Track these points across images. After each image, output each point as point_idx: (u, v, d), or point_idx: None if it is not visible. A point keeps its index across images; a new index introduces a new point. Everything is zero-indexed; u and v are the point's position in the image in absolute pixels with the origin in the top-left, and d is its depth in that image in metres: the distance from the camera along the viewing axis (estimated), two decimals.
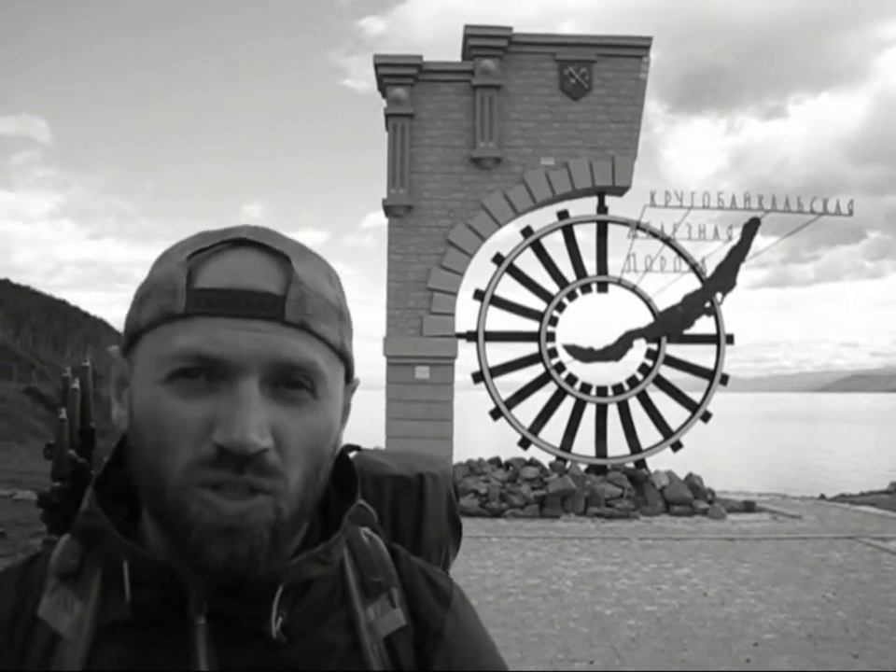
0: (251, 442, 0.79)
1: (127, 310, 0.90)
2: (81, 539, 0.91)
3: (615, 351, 16.78)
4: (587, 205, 17.45)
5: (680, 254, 16.80)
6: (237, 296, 0.83)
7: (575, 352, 16.90)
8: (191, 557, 0.82)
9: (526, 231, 16.94)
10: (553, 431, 16.53)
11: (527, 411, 16.54)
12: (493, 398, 16.68)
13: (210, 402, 0.82)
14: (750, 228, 16.52)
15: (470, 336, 16.84)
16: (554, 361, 16.83)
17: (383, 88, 17.06)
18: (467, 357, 16.93)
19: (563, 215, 17.01)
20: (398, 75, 16.83)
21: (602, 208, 17.16)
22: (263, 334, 0.83)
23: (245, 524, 0.81)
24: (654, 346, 16.93)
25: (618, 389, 17.01)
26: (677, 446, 16.85)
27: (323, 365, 0.86)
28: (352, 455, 1.08)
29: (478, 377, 16.79)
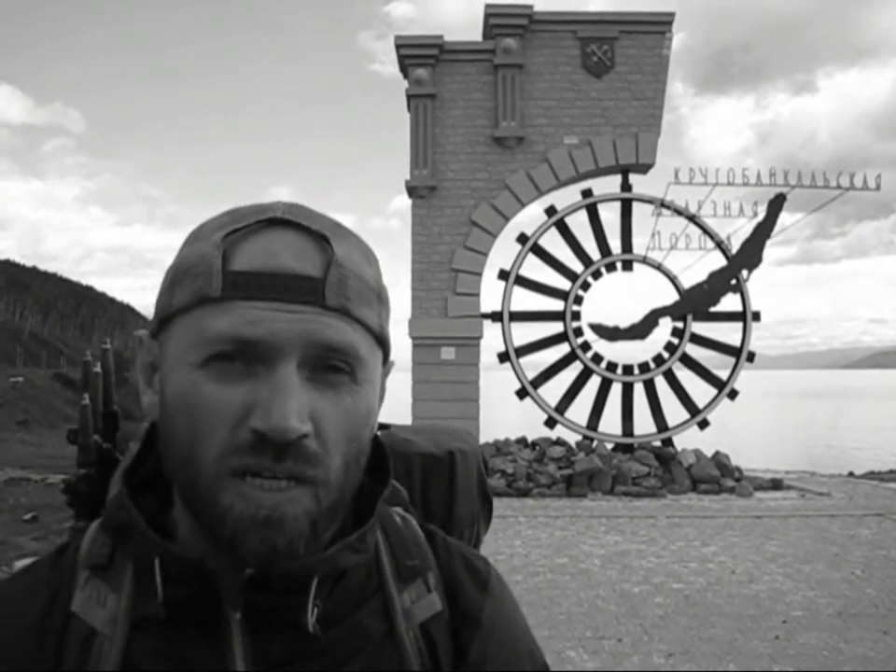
0: (291, 428, 0.76)
1: (157, 293, 0.87)
2: (113, 535, 0.89)
3: (641, 329, 16.73)
4: (611, 184, 17.37)
5: (705, 231, 16.67)
6: (275, 279, 0.80)
7: (600, 331, 16.86)
8: (228, 551, 0.80)
9: (550, 211, 16.88)
10: (580, 410, 16.49)
11: (553, 390, 16.52)
12: (519, 377, 16.68)
13: (248, 387, 0.79)
14: (776, 204, 16.36)
15: (495, 316, 16.83)
16: (580, 340, 16.79)
17: (404, 69, 17.00)
18: (492, 338, 16.96)
19: (587, 193, 16.93)
20: (419, 55, 16.77)
21: (626, 186, 17.06)
22: (303, 315, 0.79)
23: (283, 515, 0.78)
24: (680, 324, 16.84)
25: (644, 368, 16.96)
26: (703, 424, 16.79)
27: (364, 349, 0.84)
28: (379, 433, 1.08)
29: (503, 357, 16.79)
